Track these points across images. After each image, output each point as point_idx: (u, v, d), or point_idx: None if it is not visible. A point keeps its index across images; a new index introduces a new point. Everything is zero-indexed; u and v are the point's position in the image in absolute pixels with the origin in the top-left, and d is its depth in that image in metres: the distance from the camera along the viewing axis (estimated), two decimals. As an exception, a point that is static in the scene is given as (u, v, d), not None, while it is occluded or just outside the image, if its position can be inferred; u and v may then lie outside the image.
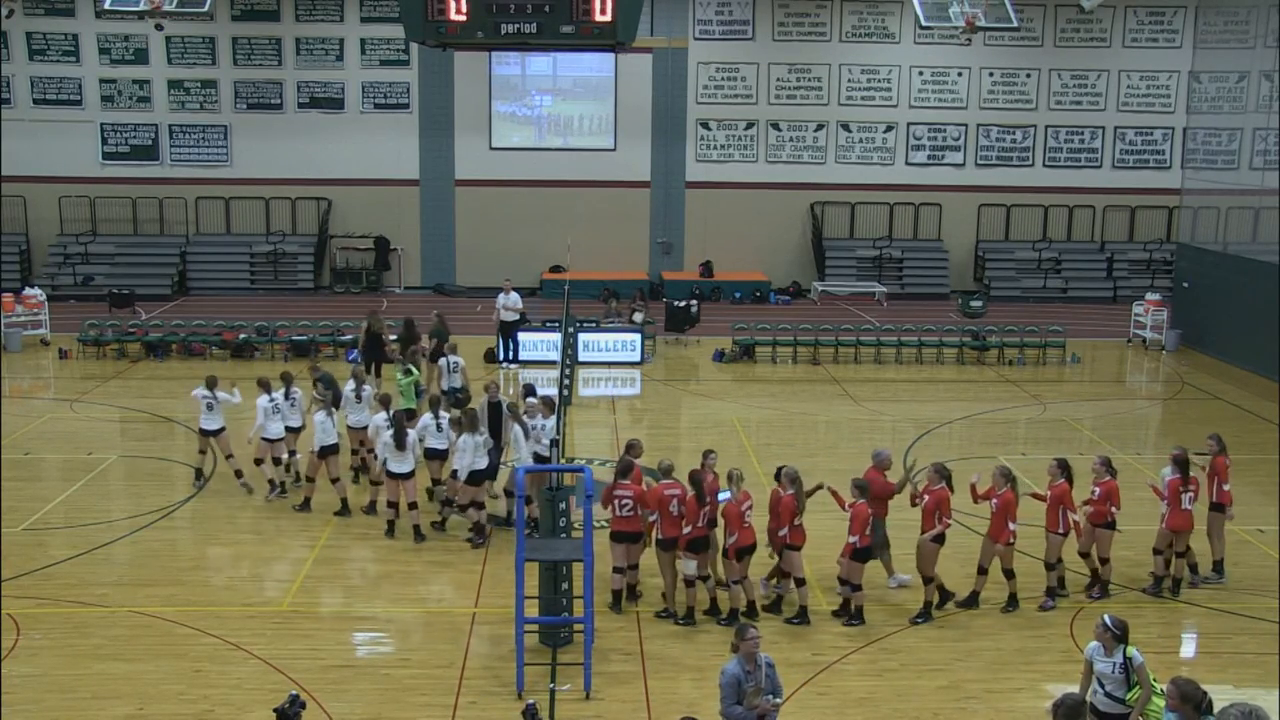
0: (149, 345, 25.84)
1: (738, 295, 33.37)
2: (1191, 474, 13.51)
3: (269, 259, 33.75)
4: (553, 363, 23.17)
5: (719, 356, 26.31)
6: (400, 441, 14.86)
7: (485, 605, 13.20)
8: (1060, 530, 13.21)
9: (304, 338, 26.08)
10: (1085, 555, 13.56)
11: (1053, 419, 21.85)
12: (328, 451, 15.81)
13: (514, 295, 25.54)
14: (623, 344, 25.55)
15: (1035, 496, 13.59)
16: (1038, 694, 11.34)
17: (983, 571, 13.16)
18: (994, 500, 12.97)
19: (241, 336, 26.01)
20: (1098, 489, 13.32)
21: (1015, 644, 12.45)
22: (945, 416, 21.69)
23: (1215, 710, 7.53)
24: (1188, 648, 12.91)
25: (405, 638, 12.58)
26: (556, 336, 23.89)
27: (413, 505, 15.11)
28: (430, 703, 11.06)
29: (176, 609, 12.95)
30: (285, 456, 16.81)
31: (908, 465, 14.03)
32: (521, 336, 25.36)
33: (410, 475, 15.03)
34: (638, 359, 25.45)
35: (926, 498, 12.88)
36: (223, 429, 16.65)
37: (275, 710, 8.91)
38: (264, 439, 16.35)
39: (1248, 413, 22.50)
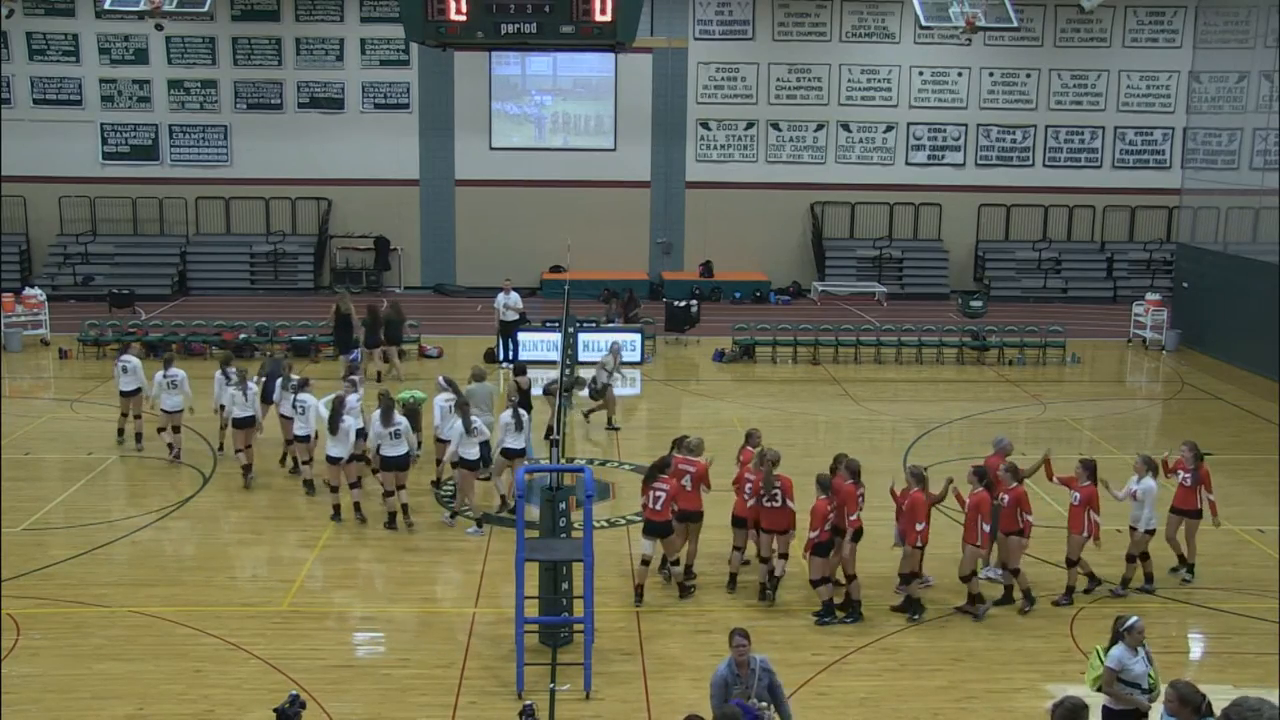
0: (149, 345, 25.79)
1: (738, 295, 33.37)
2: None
3: (269, 259, 33.75)
4: (553, 363, 23.17)
5: (719, 356, 26.31)
6: (334, 426, 15.52)
7: (485, 605, 13.20)
8: (977, 542, 12.82)
9: (304, 338, 26.09)
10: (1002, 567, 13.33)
11: (1053, 419, 21.85)
12: (242, 424, 17.02)
13: (514, 295, 25.55)
14: (622, 344, 25.47)
15: (957, 498, 13.25)
16: (1038, 694, 11.34)
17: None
18: (904, 502, 12.92)
19: (241, 336, 26.00)
20: (1006, 496, 12.98)
21: (1015, 644, 12.45)
22: (945, 416, 21.69)
23: (1216, 711, 7.53)
24: (1194, 649, 12.92)
25: (405, 638, 12.57)
26: (556, 336, 23.91)
27: (334, 488, 15.78)
28: (430, 703, 11.06)
29: (176, 609, 12.95)
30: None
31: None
32: (521, 336, 25.37)
33: (340, 460, 15.57)
34: (638, 359, 25.45)
35: (1005, 497, 13.02)
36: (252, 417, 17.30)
37: (275, 710, 8.92)
38: (162, 410, 17.98)
39: (1248, 413, 22.50)
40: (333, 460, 15.65)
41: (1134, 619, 9.38)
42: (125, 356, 18.94)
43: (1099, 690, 9.34)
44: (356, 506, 15.69)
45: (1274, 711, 4.97)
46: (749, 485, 13.19)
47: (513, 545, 12.10)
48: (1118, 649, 9.31)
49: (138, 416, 18.82)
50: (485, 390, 17.26)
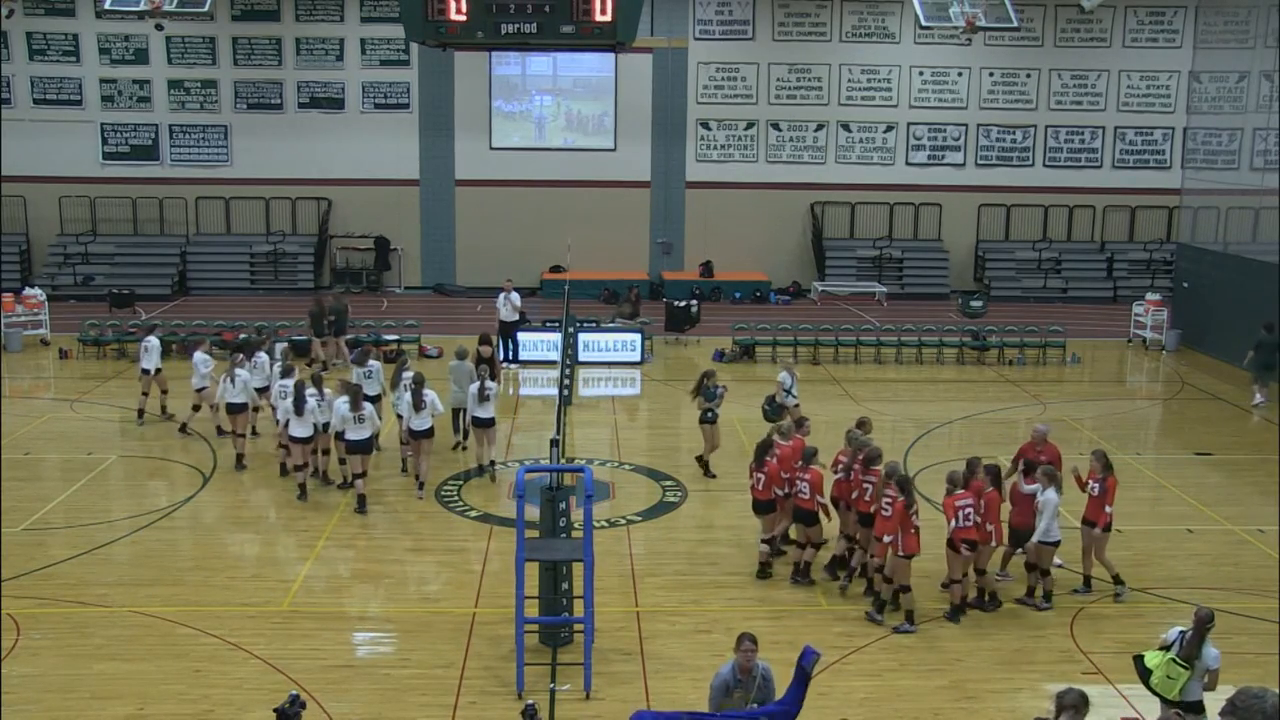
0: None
1: (738, 295, 33.37)
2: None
3: (269, 259, 33.74)
4: (553, 363, 23.19)
5: (719, 356, 26.30)
6: (299, 408, 16.22)
7: (485, 605, 13.21)
8: (902, 552, 12.52)
9: (304, 338, 26.05)
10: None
11: (1053, 419, 21.78)
12: (234, 409, 17.89)
13: (515, 295, 25.56)
14: (623, 344, 25.56)
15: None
16: (1038, 694, 11.35)
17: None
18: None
19: (241, 336, 25.93)
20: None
21: (1015, 644, 12.46)
22: (945, 416, 21.69)
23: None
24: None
25: (405, 638, 12.57)
26: (556, 336, 23.93)
27: (302, 467, 16.57)
28: (430, 703, 11.06)
29: (176, 609, 12.95)
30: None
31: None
32: (521, 336, 25.37)
33: (308, 440, 16.43)
34: (638, 359, 25.46)
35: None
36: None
37: (275, 710, 8.92)
38: (143, 369, 20.10)
39: (1248, 413, 22.50)
40: (300, 440, 16.42)
41: (1210, 611, 9.65)
42: (148, 339, 20.31)
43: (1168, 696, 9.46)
44: (302, 488, 16.46)
45: (1275, 699, 5.06)
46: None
47: (513, 545, 12.10)
48: (1213, 647, 9.48)
49: (164, 392, 20.28)
50: (465, 368, 18.15)
